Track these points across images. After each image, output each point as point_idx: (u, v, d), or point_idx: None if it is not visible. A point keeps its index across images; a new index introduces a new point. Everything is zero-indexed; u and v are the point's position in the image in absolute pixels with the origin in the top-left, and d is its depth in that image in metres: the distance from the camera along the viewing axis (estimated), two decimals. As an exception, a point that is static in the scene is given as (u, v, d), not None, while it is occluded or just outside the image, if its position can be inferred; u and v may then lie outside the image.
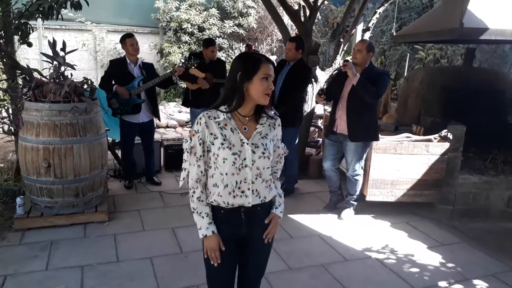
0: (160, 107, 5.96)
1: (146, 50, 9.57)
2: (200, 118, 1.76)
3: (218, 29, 9.61)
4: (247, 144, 1.76)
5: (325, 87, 3.96)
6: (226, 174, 1.75)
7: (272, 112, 1.91)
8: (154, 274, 2.96)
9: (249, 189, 1.78)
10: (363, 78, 3.58)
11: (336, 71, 3.84)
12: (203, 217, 1.81)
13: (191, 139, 1.78)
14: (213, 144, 1.75)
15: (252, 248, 1.93)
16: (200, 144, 1.76)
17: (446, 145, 4.02)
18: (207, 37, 8.15)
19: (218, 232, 1.83)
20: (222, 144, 1.74)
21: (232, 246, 1.88)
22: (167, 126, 7.88)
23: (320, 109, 6.72)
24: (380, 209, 4.23)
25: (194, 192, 1.81)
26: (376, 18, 5.74)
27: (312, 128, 6.01)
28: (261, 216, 1.89)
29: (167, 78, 4.49)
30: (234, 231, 1.86)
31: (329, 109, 4.43)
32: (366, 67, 3.74)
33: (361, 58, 3.70)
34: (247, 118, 1.80)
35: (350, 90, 3.73)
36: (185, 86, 5.17)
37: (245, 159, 1.75)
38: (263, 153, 1.78)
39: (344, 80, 3.83)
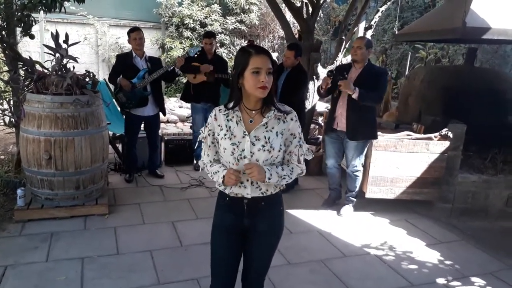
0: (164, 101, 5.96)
1: (148, 45, 9.53)
2: (213, 111, 1.88)
3: (220, 25, 9.62)
4: (248, 136, 1.79)
5: (334, 69, 3.89)
6: (229, 162, 1.82)
7: (286, 107, 1.88)
8: (154, 267, 2.98)
9: (247, 180, 1.81)
10: (363, 91, 3.58)
11: (333, 69, 3.83)
12: (218, 171, 1.85)
13: (204, 131, 1.90)
14: (218, 134, 1.84)
15: (255, 241, 1.95)
16: (209, 135, 1.88)
17: (446, 143, 4.03)
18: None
19: (223, 221, 1.92)
20: (225, 134, 1.81)
21: (235, 236, 1.92)
22: (167, 121, 7.87)
23: (321, 106, 6.74)
24: (380, 206, 4.24)
25: (206, 167, 1.94)
26: (378, 16, 5.75)
27: (312, 125, 6.02)
28: (265, 211, 1.90)
29: (171, 70, 4.51)
30: (237, 222, 1.89)
31: (329, 106, 4.43)
32: (365, 65, 3.78)
33: (361, 55, 3.74)
34: (253, 111, 1.83)
35: None
36: (186, 80, 5.17)
37: (243, 150, 1.79)
38: (263, 146, 1.79)
39: (345, 76, 3.83)
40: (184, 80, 6.89)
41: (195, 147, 4.70)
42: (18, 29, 4.21)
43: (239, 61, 1.76)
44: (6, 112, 4.01)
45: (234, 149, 1.79)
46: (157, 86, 4.62)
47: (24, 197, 3.58)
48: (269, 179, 1.76)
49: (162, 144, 5.36)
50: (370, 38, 4.91)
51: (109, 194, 4.16)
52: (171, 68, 4.51)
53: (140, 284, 2.77)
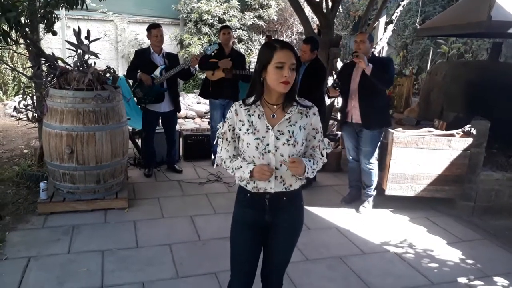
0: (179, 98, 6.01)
1: (167, 41, 9.62)
2: (233, 106, 1.86)
3: (238, 21, 9.61)
4: (272, 130, 1.78)
5: (337, 80, 3.94)
6: (253, 157, 1.80)
7: (307, 102, 1.87)
8: (172, 261, 3.01)
9: (271, 174, 1.79)
10: (375, 68, 3.60)
11: (338, 82, 3.84)
12: (241, 166, 1.84)
13: (223, 126, 1.89)
14: (240, 130, 1.82)
15: (275, 237, 1.95)
16: (230, 130, 1.86)
17: (469, 140, 3.94)
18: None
19: (243, 216, 1.92)
20: (248, 129, 1.79)
21: (255, 231, 1.92)
22: (186, 117, 7.93)
23: (340, 102, 6.66)
24: (399, 203, 4.18)
25: (225, 163, 1.92)
26: (400, 11, 5.65)
27: (331, 121, 5.97)
28: (286, 206, 1.89)
29: (187, 69, 4.53)
30: (258, 217, 1.88)
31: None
32: (370, 58, 3.77)
33: (364, 48, 3.74)
34: (275, 106, 1.82)
35: (360, 80, 3.78)
36: (204, 77, 5.17)
37: (268, 144, 1.78)
38: (288, 140, 1.78)
39: (351, 72, 3.85)
40: (202, 76, 6.92)
41: (214, 143, 4.73)
42: (41, 26, 4.28)
43: (263, 55, 1.75)
44: (29, 107, 4.09)
45: (258, 143, 1.77)
46: (173, 82, 4.65)
47: (47, 190, 3.66)
48: (307, 173, 1.81)
49: (181, 140, 5.40)
50: (391, 32, 4.84)
51: (129, 188, 4.21)
52: (188, 66, 4.52)
53: (159, 277, 2.80)
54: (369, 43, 3.77)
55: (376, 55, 4.80)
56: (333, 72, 4.94)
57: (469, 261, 3.24)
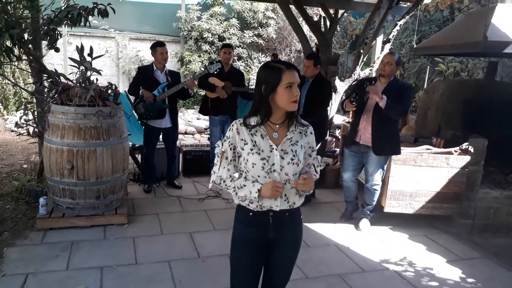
0: (179, 114, 6.04)
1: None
2: (233, 125, 1.85)
3: (238, 39, 9.74)
4: (276, 150, 1.80)
5: (355, 94, 3.85)
6: (259, 176, 1.81)
7: (304, 121, 1.92)
8: (172, 278, 2.99)
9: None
10: (390, 101, 3.54)
11: (356, 82, 3.81)
12: (245, 185, 1.82)
13: (223, 145, 1.87)
14: (243, 149, 1.82)
15: (277, 253, 1.95)
16: (231, 149, 1.85)
17: (467, 158, 3.97)
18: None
19: (245, 235, 1.91)
20: (252, 149, 1.80)
21: (257, 250, 1.92)
22: (185, 133, 7.95)
23: (338, 119, 6.72)
24: (398, 221, 4.18)
25: (225, 183, 1.88)
26: (397, 30, 5.74)
27: (329, 138, 6.00)
28: (289, 222, 1.91)
29: (185, 90, 4.59)
30: (261, 236, 1.89)
31: (347, 119, 4.43)
32: (391, 80, 3.75)
33: (390, 71, 3.70)
34: (277, 126, 1.84)
35: (377, 104, 3.66)
36: (204, 93, 5.23)
37: (273, 164, 1.80)
38: (292, 159, 1.81)
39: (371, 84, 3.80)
40: (202, 93, 6.98)
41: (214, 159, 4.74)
42: (43, 43, 4.34)
43: (270, 78, 1.77)
44: (30, 122, 4.12)
45: (264, 163, 1.79)
46: (173, 100, 4.70)
47: (46, 205, 3.66)
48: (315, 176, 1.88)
49: (180, 155, 5.42)
50: (388, 51, 4.90)
51: (128, 204, 4.20)
52: (187, 88, 4.58)
53: (158, 294, 2.79)
54: (396, 66, 3.70)
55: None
56: (331, 90, 4.98)
57: (469, 280, 3.23)
